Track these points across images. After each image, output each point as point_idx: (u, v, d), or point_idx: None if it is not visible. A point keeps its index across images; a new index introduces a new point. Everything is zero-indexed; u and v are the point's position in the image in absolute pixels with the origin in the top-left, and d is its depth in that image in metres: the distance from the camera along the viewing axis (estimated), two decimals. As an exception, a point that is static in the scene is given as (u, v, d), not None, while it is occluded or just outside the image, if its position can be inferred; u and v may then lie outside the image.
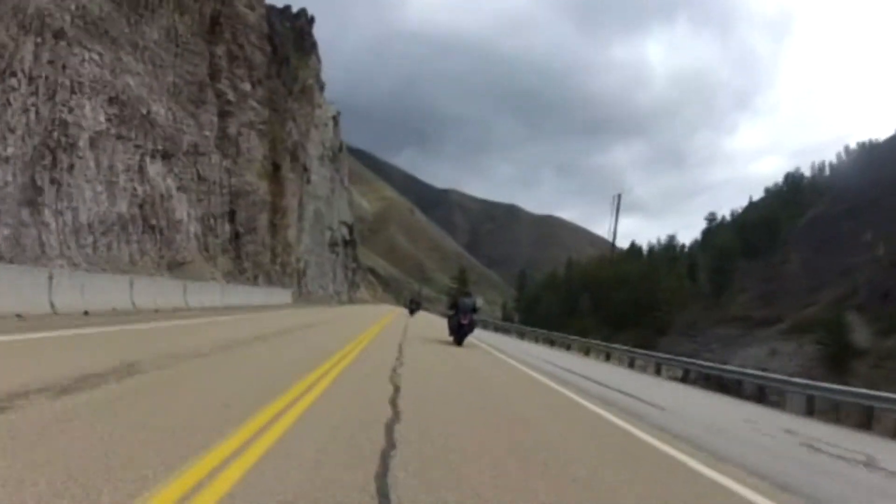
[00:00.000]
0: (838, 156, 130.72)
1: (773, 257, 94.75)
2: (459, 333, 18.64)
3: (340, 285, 50.70)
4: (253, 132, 33.07)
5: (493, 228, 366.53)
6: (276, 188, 36.00)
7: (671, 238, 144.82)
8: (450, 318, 19.75)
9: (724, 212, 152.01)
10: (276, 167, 36.67)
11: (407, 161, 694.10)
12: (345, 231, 52.37)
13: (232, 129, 30.88)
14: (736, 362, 64.72)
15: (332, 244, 48.91)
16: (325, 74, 55.19)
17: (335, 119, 53.61)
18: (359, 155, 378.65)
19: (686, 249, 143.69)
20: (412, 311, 38.74)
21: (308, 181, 44.05)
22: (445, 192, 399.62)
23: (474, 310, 18.61)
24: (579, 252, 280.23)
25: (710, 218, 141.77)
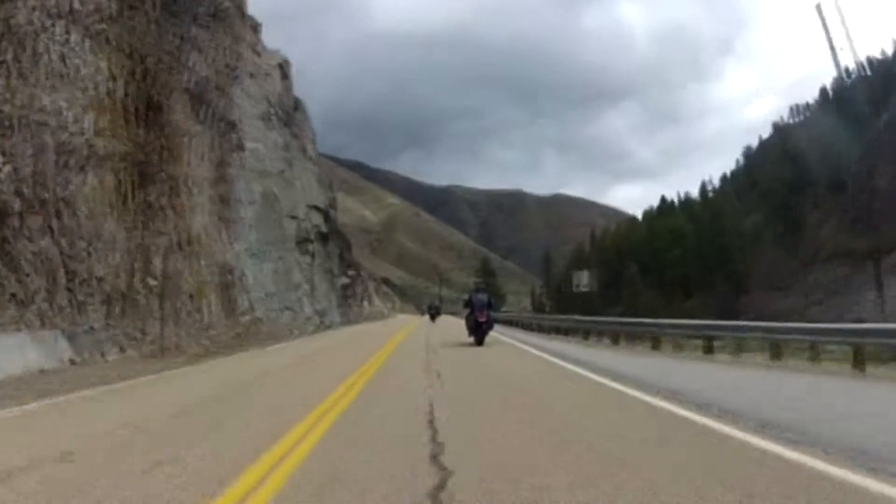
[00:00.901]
0: (837, 80, 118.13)
1: (849, 178, 77.43)
2: (478, 332, 17.47)
3: (324, 301, 34.12)
4: (76, 32, 16.58)
5: (502, 218, 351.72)
6: (157, 141, 19.52)
7: (703, 185, 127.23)
8: (466, 318, 18.37)
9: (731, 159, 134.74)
10: (155, 108, 20.17)
11: (405, 165, 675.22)
12: (318, 219, 35.67)
13: (21, 19, 14.58)
14: (871, 313, 47.58)
15: (302, 241, 32.35)
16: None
17: (283, 69, 37.19)
18: (355, 167, 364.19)
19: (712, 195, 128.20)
20: (433, 317, 38.94)
21: (241, 147, 27.57)
22: (448, 189, 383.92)
23: (489, 305, 18.08)
24: (593, 226, 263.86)
25: (746, 152, 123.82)
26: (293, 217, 31.94)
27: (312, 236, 33.43)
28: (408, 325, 33.09)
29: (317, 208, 35.52)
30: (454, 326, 26.98)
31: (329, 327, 29.34)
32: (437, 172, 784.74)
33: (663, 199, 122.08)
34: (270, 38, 38.67)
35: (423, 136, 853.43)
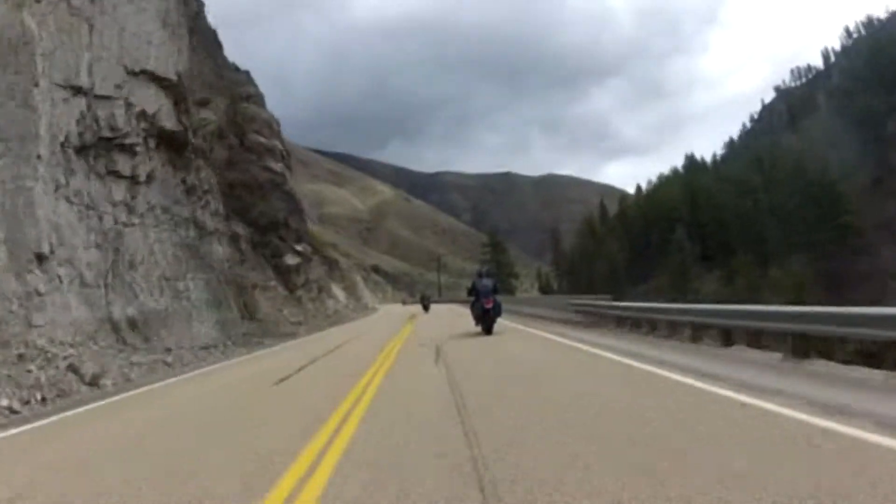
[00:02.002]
0: (842, 38, 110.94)
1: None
2: (485, 320, 16.03)
3: (152, 297, 13.44)
4: None
5: (494, 200, 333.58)
6: None
7: (732, 141, 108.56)
8: (472, 306, 17.11)
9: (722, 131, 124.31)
10: None
11: (393, 154, 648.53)
12: (154, 101, 15.01)
13: None
14: None
15: (102, 145, 12.31)
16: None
17: None
18: (343, 159, 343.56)
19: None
20: (426, 307, 38.42)
21: None
22: (437, 175, 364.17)
23: (495, 290, 16.42)
24: (589, 203, 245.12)
25: (803, 73, 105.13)
26: (74, 89, 12.14)
27: (137, 137, 13.45)
28: (390, 345, 13.68)
29: (154, 78, 14.99)
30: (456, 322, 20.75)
31: (93, 383, 9.06)
32: (425, 160, 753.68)
33: (691, 159, 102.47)
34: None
35: (409, 126, 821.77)
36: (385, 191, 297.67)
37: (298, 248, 30.76)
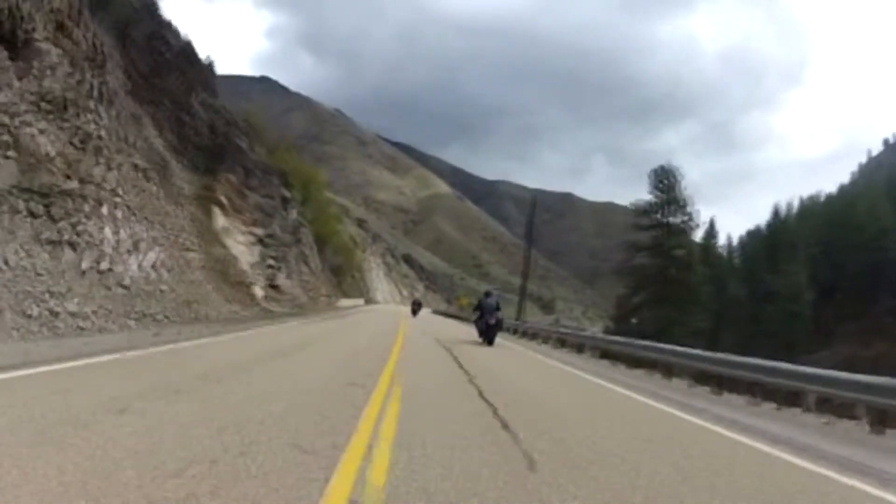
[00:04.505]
0: None
1: None
2: (489, 333, 17.62)
3: None
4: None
5: (549, 219, 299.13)
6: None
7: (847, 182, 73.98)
8: (476, 321, 18.65)
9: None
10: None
11: (454, 156, 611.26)
12: None
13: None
14: None
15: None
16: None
17: None
18: (404, 148, 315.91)
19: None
20: (414, 312, 39.65)
21: None
22: (495, 183, 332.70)
23: (498, 308, 18.02)
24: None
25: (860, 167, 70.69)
26: None
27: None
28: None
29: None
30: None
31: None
32: (484, 166, 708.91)
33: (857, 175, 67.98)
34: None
35: (471, 128, 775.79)
36: (440, 185, 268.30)
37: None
